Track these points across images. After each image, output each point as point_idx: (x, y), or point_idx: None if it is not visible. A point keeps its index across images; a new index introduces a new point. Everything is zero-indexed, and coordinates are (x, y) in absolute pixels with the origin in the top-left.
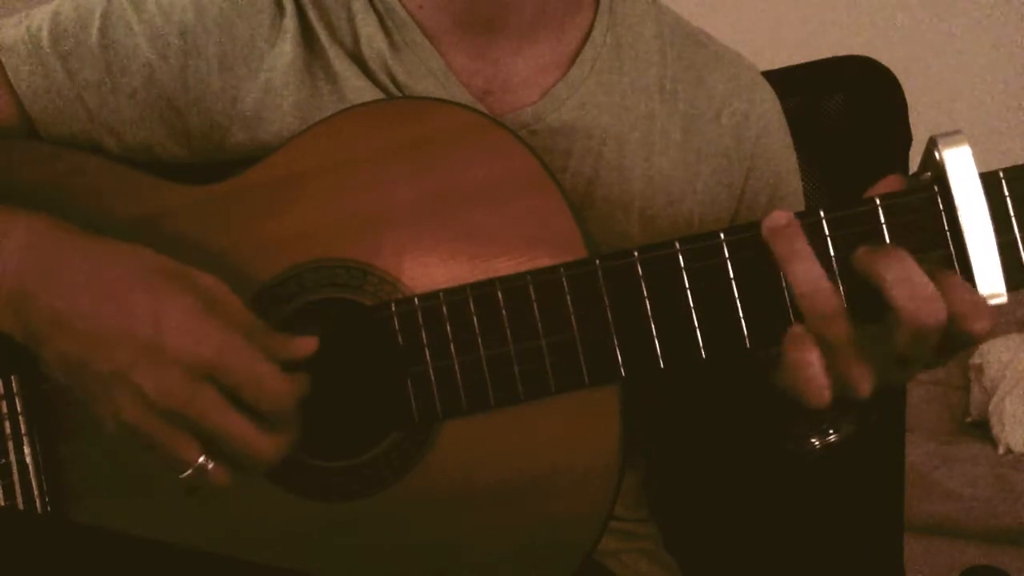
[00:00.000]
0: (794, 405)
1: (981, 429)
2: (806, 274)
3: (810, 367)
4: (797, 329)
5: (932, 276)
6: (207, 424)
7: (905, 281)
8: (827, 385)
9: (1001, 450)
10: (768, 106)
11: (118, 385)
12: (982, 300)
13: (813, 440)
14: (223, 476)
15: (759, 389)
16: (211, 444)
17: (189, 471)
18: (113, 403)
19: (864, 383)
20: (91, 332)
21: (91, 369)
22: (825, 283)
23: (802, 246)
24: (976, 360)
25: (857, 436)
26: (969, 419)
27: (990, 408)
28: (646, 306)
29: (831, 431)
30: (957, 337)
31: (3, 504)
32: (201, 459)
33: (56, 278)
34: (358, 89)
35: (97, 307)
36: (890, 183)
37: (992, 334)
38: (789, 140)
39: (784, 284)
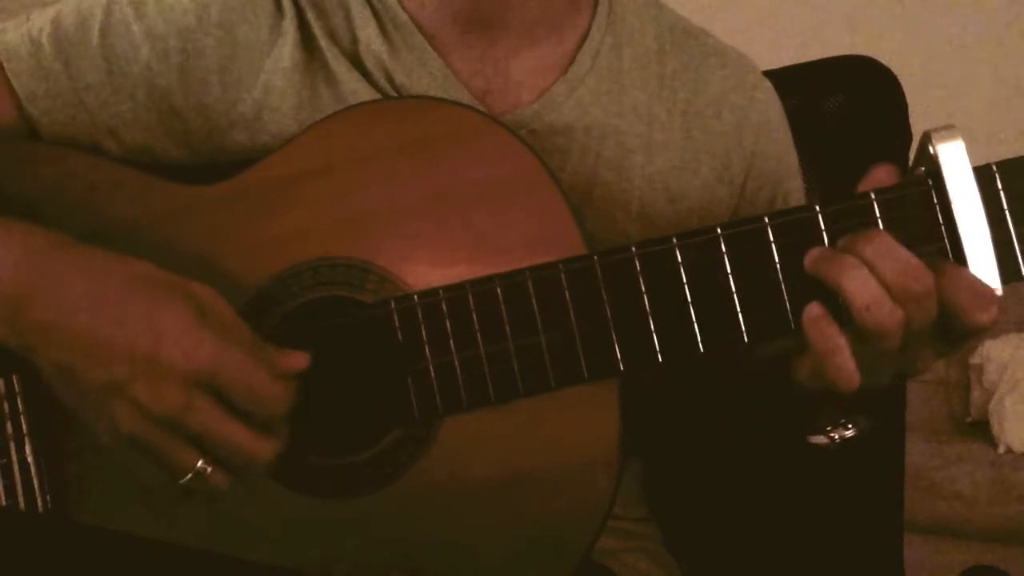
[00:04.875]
0: (818, 395)
1: (981, 429)
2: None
3: (840, 353)
4: (817, 311)
5: (932, 267)
6: (204, 431)
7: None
8: (856, 369)
9: (1001, 450)
10: (768, 103)
11: (115, 397)
12: (986, 288)
13: (832, 434)
14: (223, 480)
15: (782, 382)
16: (208, 450)
17: (188, 476)
18: (109, 414)
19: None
20: (86, 345)
21: (86, 380)
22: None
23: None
24: (976, 360)
25: (870, 432)
26: (969, 419)
27: (990, 408)
28: (644, 301)
29: (849, 425)
30: (960, 328)
31: (4, 504)
32: (200, 464)
33: (51, 291)
34: (357, 91)
35: (92, 320)
36: (883, 173)
37: (992, 334)
38: (790, 138)
39: (780, 278)
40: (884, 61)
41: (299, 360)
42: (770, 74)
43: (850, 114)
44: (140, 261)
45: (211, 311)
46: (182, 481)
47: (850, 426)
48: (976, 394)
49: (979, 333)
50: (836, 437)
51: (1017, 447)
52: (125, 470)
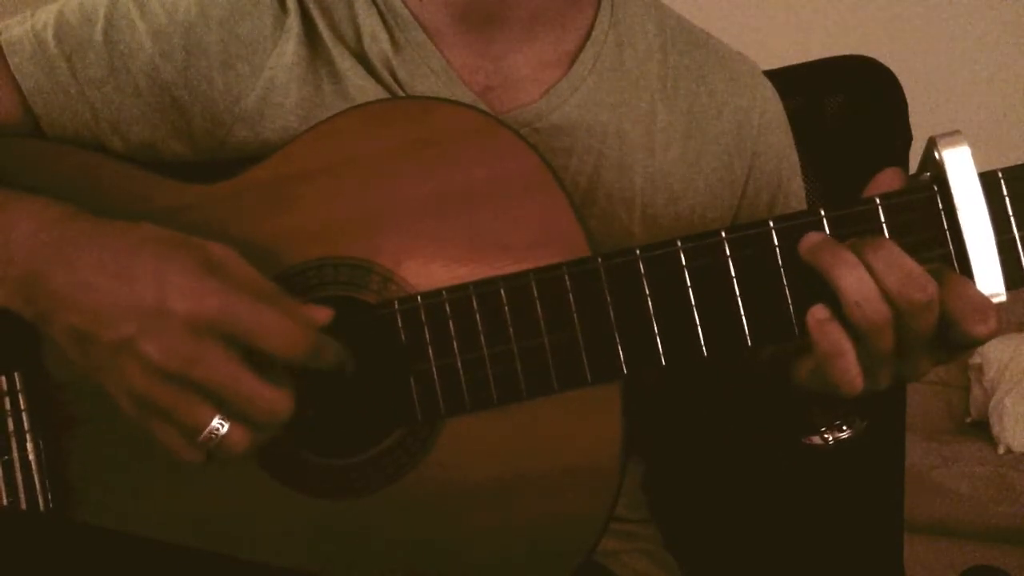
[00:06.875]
0: (815, 396)
1: (981, 429)
2: (858, 283)
3: (845, 356)
4: (823, 313)
5: (936, 276)
6: (216, 380)
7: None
8: (860, 374)
9: (1001, 450)
10: (769, 104)
11: (126, 354)
12: (986, 301)
13: (827, 435)
14: (241, 438)
15: (780, 382)
16: (223, 405)
17: (204, 435)
18: (123, 374)
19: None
20: (97, 304)
21: (99, 341)
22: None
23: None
24: (976, 360)
25: (866, 433)
26: (969, 419)
27: (990, 408)
28: (648, 304)
29: (844, 427)
30: (958, 338)
31: (5, 502)
32: (215, 420)
33: (64, 257)
34: (361, 88)
35: (102, 280)
36: (889, 176)
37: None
38: (791, 138)
39: (784, 282)
40: (884, 61)
41: (320, 313)
42: (770, 74)
43: (850, 114)
44: (151, 225)
45: (223, 265)
46: (199, 439)
47: (845, 427)
48: (976, 394)
49: (977, 344)
50: (831, 438)
51: (1017, 447)
52: (127, 468)
